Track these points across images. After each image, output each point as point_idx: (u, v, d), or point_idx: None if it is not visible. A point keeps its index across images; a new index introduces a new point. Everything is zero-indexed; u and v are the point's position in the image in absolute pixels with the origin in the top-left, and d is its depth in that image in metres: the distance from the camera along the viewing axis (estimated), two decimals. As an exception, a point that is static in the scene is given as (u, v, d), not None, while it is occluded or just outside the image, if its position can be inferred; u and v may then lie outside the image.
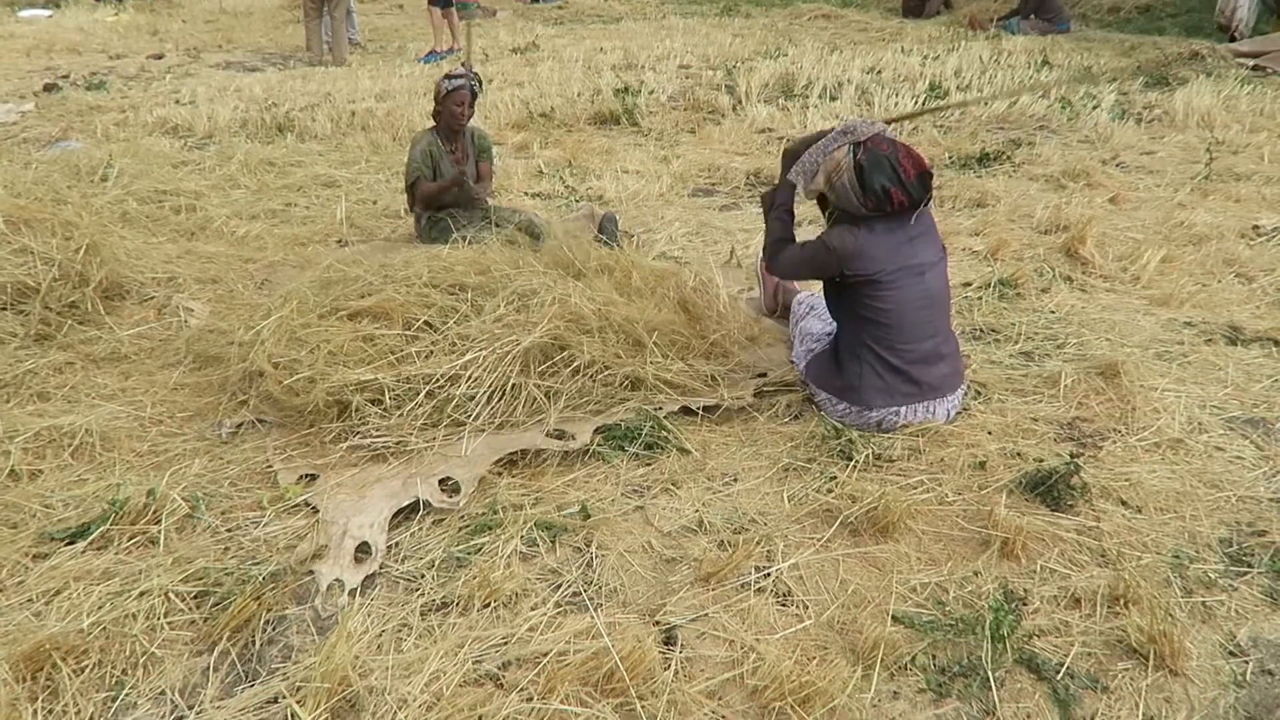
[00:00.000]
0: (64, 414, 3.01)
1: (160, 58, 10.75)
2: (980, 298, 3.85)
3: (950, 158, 5.94)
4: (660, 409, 2.93)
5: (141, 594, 2.18)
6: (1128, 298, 3.92)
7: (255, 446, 2.85)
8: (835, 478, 2.64)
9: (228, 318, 3.54)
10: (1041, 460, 2.68)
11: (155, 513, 2.46)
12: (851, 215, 2.80)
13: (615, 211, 4.79)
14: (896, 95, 7.43)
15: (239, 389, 3.10)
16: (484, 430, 2.76)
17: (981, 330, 3.60)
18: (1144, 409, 2.99)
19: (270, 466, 2.73)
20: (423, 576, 2.28)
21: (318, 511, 2.51)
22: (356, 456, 2.74)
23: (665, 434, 2.81)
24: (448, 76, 4.36)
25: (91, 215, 4.81)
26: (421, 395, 2.78)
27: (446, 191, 4.35)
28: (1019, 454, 2.76)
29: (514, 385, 2.83)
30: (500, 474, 2.67)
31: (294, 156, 6.14)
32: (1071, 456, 2.55)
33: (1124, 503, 2.56)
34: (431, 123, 4.52)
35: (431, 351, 2.93)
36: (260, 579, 2.25)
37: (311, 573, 2.29)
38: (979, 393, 3.10)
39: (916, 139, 6.35)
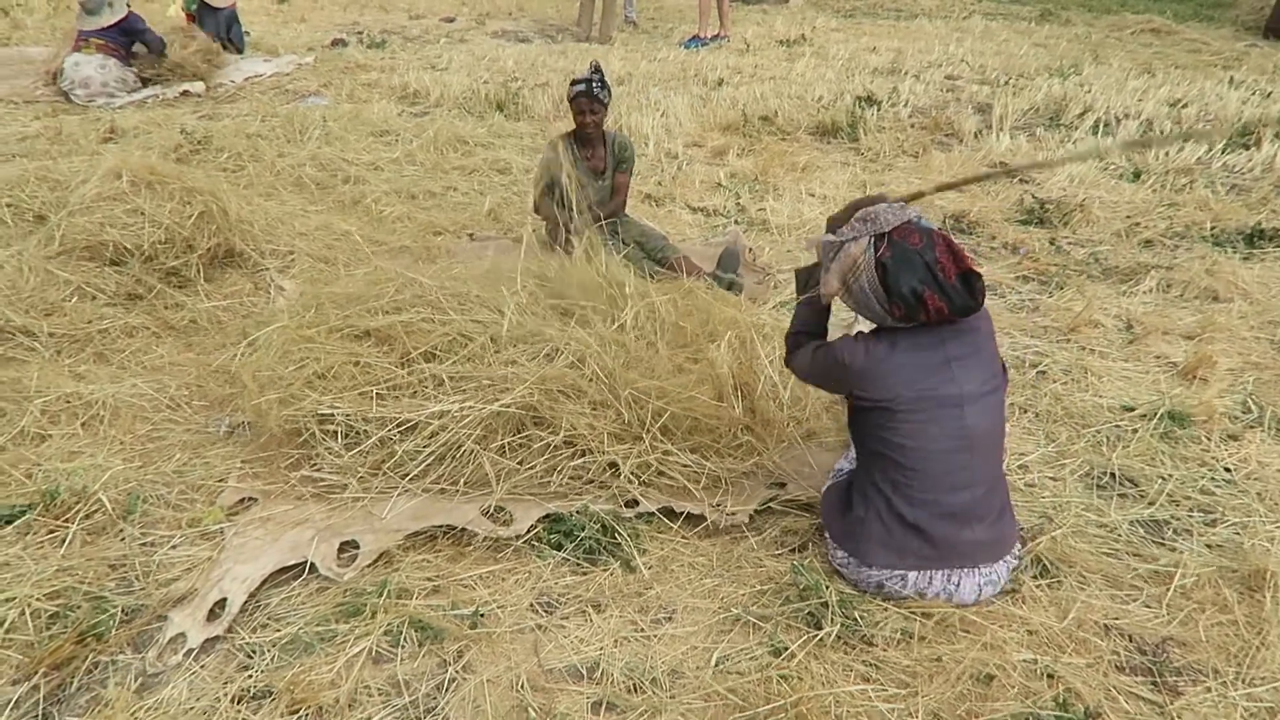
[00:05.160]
0: (104, 380, 3.12)
1: (451, 20, 11.37)
2: (1135, 431, 2.99)
3: (1212, 228, 4.78)
4: (636, 504, 2.52)
5: (6, 599, 2.15)
6: (1356, 468, 2.90)
7: (229, 454, 2.78)
8: (785, 649, 2.10)
9: (305, 299, 3.52)
10: (1070, 695, 1.97)
11: (81, 509, 2.44)
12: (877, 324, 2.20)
13: (743, 246, 4.30)
14: (1184, 142, 6.17)
15: (257, 385, 3.06)
16: (418, 494, 2.49)
17: (1113, 477, 2.78)
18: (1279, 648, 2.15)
19: (224, 480, 2.65)
20: (263, 654, 2.07)
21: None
22: (305, 489, 2.59)
23: (616, 540, 2.40)
24: (573, 81, 4.09)
25: (272, 176, 5.10)
26: (374, 440, 2.56)
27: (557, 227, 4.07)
28: (1051, 675, 2.06)
29: (470, 451, 2.53)
30: (415, 547, 2.39)
31: (489, 137, 6.15)
32: (1087, 714, 1.83)
33: (1167, 796, 1.82)
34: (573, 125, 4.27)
35: (414, 391, 2.70)
36: (119, 612, 2.15)
37: (165, 618, 2.15)
38: (1048, 569, 2.37)
39: (1183, 198, 5.20)
